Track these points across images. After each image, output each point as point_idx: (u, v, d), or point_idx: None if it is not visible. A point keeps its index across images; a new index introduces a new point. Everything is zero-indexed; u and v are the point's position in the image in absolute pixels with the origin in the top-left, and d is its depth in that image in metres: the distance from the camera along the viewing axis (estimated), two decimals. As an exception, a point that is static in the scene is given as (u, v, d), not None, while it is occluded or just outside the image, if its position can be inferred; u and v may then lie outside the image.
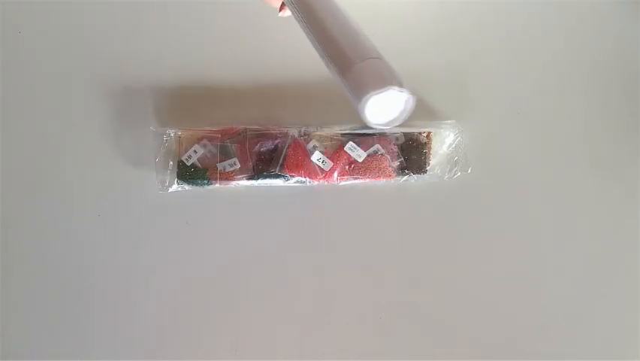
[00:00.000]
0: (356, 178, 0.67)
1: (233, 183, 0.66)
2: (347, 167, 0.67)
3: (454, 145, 0.68)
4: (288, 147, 0.66)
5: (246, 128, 0.67)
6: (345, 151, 0.66)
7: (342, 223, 0.69)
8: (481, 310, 0.69)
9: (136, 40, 0.71)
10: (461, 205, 0.70)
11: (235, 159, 0.66)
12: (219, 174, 0.66)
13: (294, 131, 0.67)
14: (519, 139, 0.72)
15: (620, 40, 0.75)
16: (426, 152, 0.68)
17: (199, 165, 0.66)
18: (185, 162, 0.66)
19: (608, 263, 0.70)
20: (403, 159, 0.68)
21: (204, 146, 0.66)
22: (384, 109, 0.42)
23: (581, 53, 0.74)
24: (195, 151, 0.66)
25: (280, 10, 0.55)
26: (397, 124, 0.43)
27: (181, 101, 0.70)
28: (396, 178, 0.68)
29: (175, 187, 0.66)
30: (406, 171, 0.68)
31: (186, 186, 0.66)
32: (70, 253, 0.67)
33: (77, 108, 0.70)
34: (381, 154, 0.67)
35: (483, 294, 0.69)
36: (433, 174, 0.68)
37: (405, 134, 0.68)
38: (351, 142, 0.67)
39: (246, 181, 0.66)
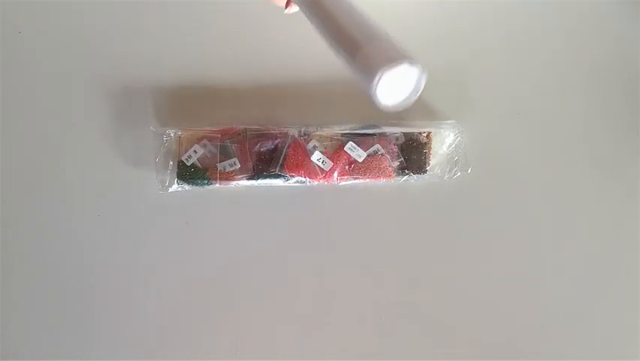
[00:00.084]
0: (356, 178, 0.67)
1: (233, 183, 0.66)
2: (347, 167, 0.67)
3: (454, 145, 0.68)
4: (288, 147, 0.66)
5: (246, 128, 0.67)
6: (345, 151, 0.66)
7: (342, 223, 0.69)
8: (481, 310, 0.69)
9: (136, 40, 0.71)
10: (461, 205, 0.70)
11: (235, 159, 0.66)
12: (219, 174, 0.66)
13: (294, 132, 0.67)
14: (519, 139, 0.72)
15: (620, 40, 0.75)
16: (426, 152, 0.68)
17: (199, 165, 0.66)
18: (185, 162, 0.66)
19: (608, 263, 0.70)
20: (403, 159, 0.68)
21: (204, 146, 0.66)
22: (395, 89, 0.41)
23: (581, 53, 0.74)
24: (195, 151, 0.66)
25: (286, 7, 0.54)
26: (409, 104, 0.42)
27: (181, 101, 0.70)
28: (396, 178, 0.68)
29: (175, 187, 0.66)
30: (406, 171, 0.68)
31: (186, 186, 0.66)
32: (70, 253, 0.67)
33: (77, 108, 0.70)
34: (381, 154, 0.67)
35: (483, 294, 0.69)
36: (433, 174, 0.68)
37: (405, 134, 0.68)
38: (351, 142, 0.67)
39: (246, 181, 0.66)
